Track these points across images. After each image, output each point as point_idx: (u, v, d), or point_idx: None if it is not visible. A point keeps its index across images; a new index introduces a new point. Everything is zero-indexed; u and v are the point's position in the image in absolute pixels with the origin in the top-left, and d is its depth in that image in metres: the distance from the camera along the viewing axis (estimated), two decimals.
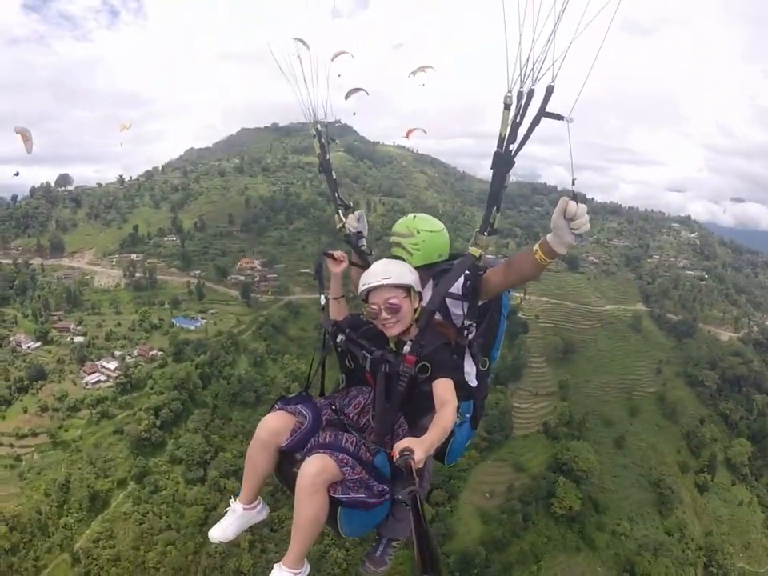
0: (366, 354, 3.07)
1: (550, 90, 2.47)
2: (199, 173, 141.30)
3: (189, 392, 71.46)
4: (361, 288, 3.10)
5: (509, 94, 2.53)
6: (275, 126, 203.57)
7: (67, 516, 58.87)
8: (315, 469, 2.69)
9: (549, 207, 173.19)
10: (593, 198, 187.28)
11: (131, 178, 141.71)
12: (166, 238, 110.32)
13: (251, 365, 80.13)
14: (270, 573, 2.84)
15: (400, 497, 2.06)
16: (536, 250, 2.71)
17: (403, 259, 3.42)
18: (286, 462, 3.07)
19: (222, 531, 3.22)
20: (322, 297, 3.60)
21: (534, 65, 2.42)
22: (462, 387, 3.10)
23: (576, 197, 2.49)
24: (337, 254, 3.67)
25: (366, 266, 3.66)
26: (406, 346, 2.89)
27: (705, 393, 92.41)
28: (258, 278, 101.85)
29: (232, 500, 3.30)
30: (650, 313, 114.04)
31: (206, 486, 62.68)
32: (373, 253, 3.88)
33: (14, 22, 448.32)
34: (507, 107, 2.56)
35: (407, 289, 3.05)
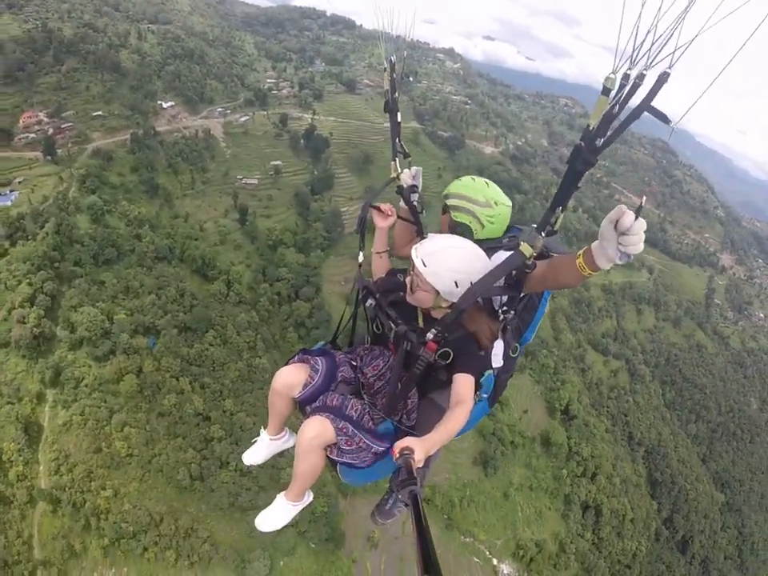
0: (392, 325, 3.00)
1: (663, 78, 1.91)
2: None
3: (53, 269, 63.88)
4: (412, 250, 2.91)
5: (612, 76, 1.99)
6: None
7: (12, 466, 49.89)
8: (313, 432, 2.87)
9: (318, 31, 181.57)
10: (361, 25, 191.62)
11: None
12: None
13: (92, 222, 74.00)
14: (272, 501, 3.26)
15: (400, 496, 1.99)
16: (578, 256, 2.31)
17: (469, 227, 3.26)
18: (303, 409, 3.20)
19: (253, 456, 3.69)
20: (361, 254, 3.47)
21: (652, 44, 1.85)
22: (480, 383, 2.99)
23: (640, 210, 2.03)
24: (384, 207, 3.45)
25: (415, 222, 3.56)
26: (429, 333, 2.79)
27: None
28: (51, 131, 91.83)
29: (262, 429, 3.68)
30: (423, 130, 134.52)
31: (120, 353, 58.67)
32: (424, 211, 3.59)
33: None
34: (607, 92, 2.03)
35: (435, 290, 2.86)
